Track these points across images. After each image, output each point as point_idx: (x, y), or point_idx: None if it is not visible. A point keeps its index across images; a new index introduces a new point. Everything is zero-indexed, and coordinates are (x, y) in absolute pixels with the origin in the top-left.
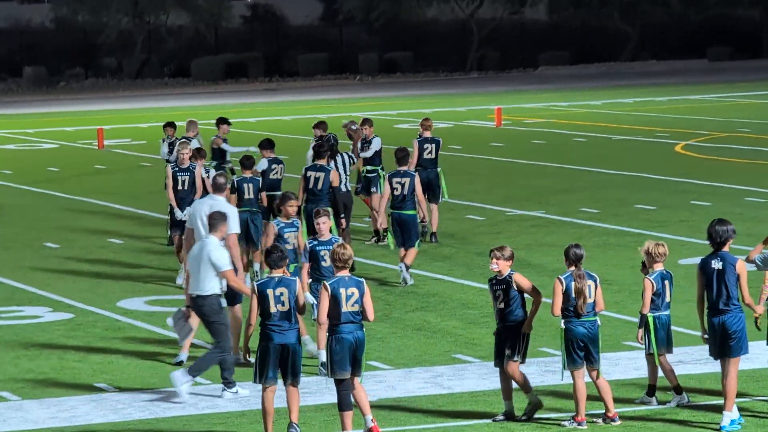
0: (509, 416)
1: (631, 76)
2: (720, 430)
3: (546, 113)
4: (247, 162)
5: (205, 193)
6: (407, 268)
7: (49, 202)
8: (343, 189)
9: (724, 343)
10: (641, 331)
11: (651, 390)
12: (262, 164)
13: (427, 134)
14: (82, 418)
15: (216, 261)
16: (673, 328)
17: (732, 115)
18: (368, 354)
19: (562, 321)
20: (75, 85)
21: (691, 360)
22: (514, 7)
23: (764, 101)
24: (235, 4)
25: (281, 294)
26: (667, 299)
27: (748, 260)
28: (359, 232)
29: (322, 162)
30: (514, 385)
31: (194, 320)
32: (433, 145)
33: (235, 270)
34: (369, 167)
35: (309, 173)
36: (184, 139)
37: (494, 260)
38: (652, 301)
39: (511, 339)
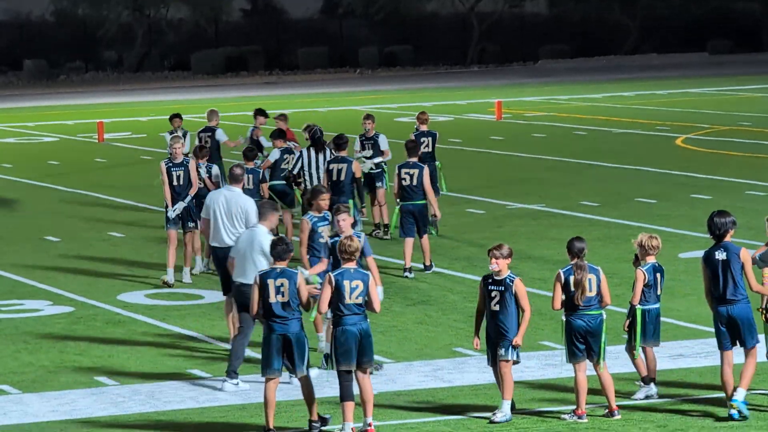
0: (511, 408)
1: (632, 69)
2: (732, 403)
3: (546, 107)
4: (250, 153)
5: (204, 188)
6: (430, 267)
7: (49, 195)
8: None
9: (734, 334)
10: (628, 321)
11: (646, 379)
12: (274, 154)
13: (424, 128)
14: (83, 411)
15: (269, 251)
16: (674, 322)
17: (732, 109)
18: None
19: (564, 314)
20: (75, 79)
21: (692, 354)
22: (514, 1)
23: (765, 94)
24: None
25: (281, 285)
26: (658, 292)
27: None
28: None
29: (343, 153)
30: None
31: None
32: (430, 139)
33: None
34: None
35: (332, 166)
36: (176, 134)
37: (493, 260)
38: (643, 293)
39: (504, 339)
